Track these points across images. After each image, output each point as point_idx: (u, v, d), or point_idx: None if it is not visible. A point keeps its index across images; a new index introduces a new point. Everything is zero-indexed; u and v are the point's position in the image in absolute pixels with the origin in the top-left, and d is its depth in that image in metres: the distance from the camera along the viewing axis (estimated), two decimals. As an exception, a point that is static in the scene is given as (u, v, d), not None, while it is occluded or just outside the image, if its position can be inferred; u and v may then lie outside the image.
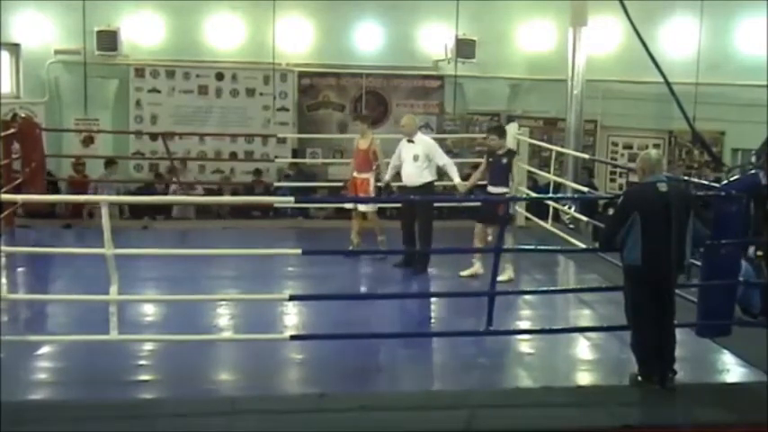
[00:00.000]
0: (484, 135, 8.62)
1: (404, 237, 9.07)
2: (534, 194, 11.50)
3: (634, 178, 9.97)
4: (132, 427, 4.96)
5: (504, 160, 8.54)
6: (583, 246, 9.35)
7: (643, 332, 5.64)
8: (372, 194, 9.38)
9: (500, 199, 8.33)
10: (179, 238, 10.69)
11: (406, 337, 6.77)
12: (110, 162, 12.74)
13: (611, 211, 11.82)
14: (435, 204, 9.50)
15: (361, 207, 9.37)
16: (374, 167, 9.38)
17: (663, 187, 5.58)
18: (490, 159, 8.63)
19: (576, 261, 9.59)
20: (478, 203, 8.89)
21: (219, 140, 13.65)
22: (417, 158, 8.90)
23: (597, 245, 6.35)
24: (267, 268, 8.40)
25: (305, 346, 6.32)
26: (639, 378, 5.67)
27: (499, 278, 8.20)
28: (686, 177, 10.52)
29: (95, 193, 11.41)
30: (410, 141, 9.02)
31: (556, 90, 13.14)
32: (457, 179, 8.90)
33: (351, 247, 9.27)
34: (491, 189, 8.60)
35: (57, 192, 11.96)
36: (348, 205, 9.70)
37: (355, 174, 9.53)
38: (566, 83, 12.69)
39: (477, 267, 8.52)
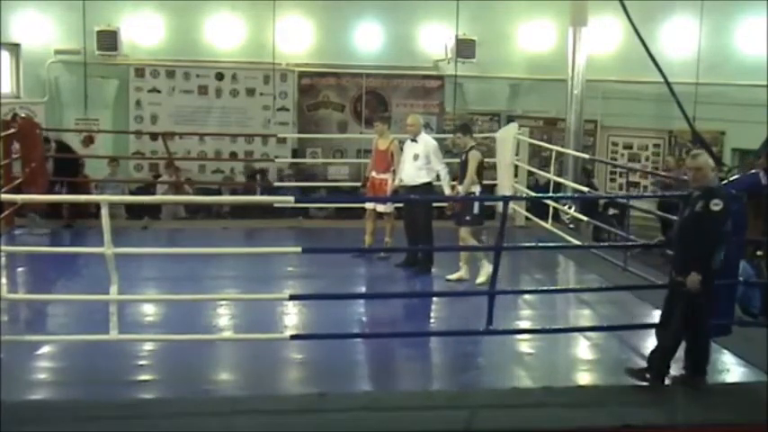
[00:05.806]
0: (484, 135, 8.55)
1: (407, 236, 9.08)
2: (534, 194, 11.49)
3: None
4: (132, 427, 4.96)
5: (465, 158, 8.45)
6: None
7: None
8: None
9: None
10: (179, 238, 10.68)
11: (405, 337, 6.78)
12: (111, 160, 12.74)
13: (611, 211, 11.88)
14: (434, 204, 9.47)
15: (380, 207, 9.37)
16: (392, 169, 9.35)
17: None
18: (461, 159, 8.60)
19: (576, 261, 9.59)
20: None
21: (219, 140, 13.65)
22: (417, 158, 8.90)
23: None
24: (267, 268, 8.40)
25: (305, 346, 6.32)
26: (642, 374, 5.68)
27: (477, 280, 8.25)
28: (686, 177, 10.50)
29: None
30: (413, 141, 9.03)
31: (556, 90, 13.14)
32: (448, 190, 8.89)
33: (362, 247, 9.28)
34: (459, 188, 8.55)
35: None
36: (368, 205, 9.60)
37: (374, 174, 9.52)
38: (566, 83, 12.69)
39: (463, 272, 8.44)
